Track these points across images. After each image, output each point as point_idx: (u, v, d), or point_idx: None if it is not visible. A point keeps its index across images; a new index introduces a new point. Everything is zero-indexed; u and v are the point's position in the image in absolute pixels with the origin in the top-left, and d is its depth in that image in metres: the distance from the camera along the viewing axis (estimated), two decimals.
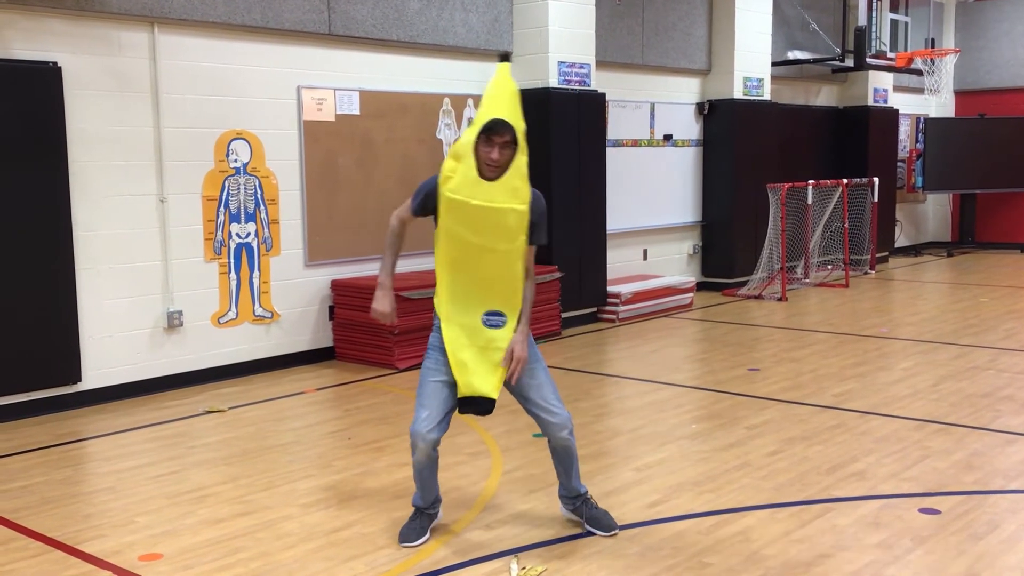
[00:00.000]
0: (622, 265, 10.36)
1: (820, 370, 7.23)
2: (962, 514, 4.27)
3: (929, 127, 15.01)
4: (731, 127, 11.15)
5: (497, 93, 3.69)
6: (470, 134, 3.67)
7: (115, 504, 4.58)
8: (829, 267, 12.43)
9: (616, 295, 9.54)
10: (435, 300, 3.84)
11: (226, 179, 7.06)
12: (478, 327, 3.72)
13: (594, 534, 4.02)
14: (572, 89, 8.99)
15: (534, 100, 8.81)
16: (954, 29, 15.44)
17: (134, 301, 6.64)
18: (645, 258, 10.82)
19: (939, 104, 15.64)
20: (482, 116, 3.64)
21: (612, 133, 9.95)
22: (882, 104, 13.74)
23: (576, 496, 4.08)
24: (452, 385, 3.80)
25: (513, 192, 3.64)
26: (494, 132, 3.60)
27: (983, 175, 14.94)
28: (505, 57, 3.87)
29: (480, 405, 3.77)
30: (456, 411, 3.86)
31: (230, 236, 7.12)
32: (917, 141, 15.31)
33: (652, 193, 10.73)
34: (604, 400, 6.56)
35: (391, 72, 8.08)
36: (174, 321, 6.81)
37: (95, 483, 4.99)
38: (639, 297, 9.73)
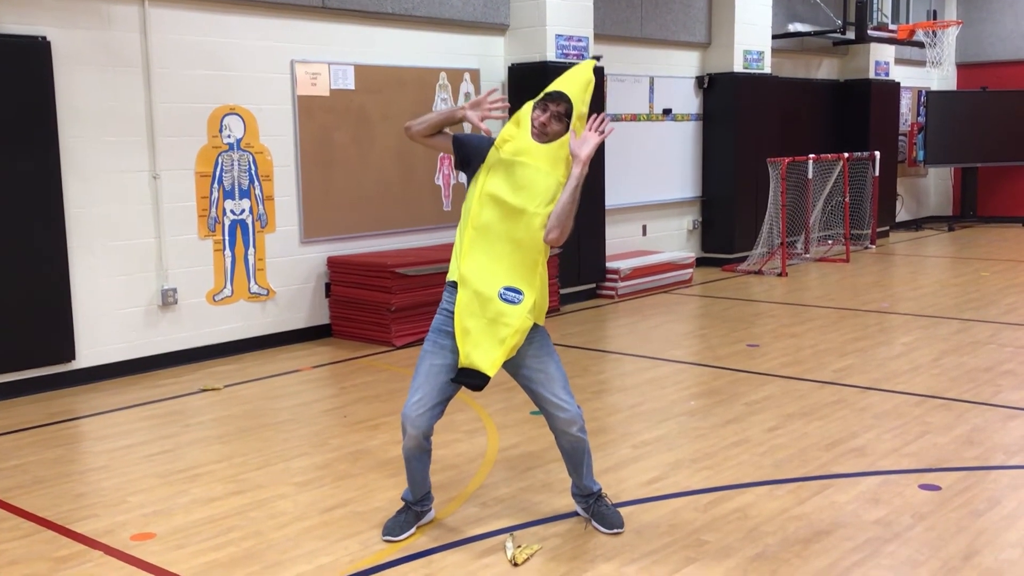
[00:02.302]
0: (621, 241, 10.30)
1: (820, 345, 7.18)
2: (963, 490, 4.22)
3: (931, 100, 14.89)
4: (731, 101, 11.05)
5: (571, 76, 3.76)
6: (531, 102, 3.72)
7: (107, 483, 4.54)
8: (829, 242, 12.36)
9: (615, 271, 9.48)
10: (451, 269, 3.71)
11: (220, 155, 6.99)
12: (493, 298, 3.59)
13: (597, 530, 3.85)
14: (571, 62, 8.88)
15: (531, 74, 8.72)
16: (956, 1, 15.28)
17: (128, 279, 6.58)
18: (644, 234, 10.75)
19: (941, 77, 15.50)
20: (550, 87, 3.71)
21: (611, 107, 9.85)
22: (883, 77, 13.62)
23: (589, 495, 3.90)
24: (450, 369, 3.65)
25: (558, 161, 3.61)
26: (550, 99, 3.66)
27: (985, 149, 14.84)
28: (596, 60, 3.97)
29: (474, 378, 3.61)
30: (450, 394, 3.71)
31: (224, 213, 7.05)
32: (919, 114, 15.18)
33: (651, 168, 10.65)
34: (603, 377, 6.51)
35: (386, 46, 7.99)
36: (168, 299, 6.76)
37: (88, 462, 4.95)
38: (638, 273, 9.67)
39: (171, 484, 4.51)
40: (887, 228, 13.94)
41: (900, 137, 14.57)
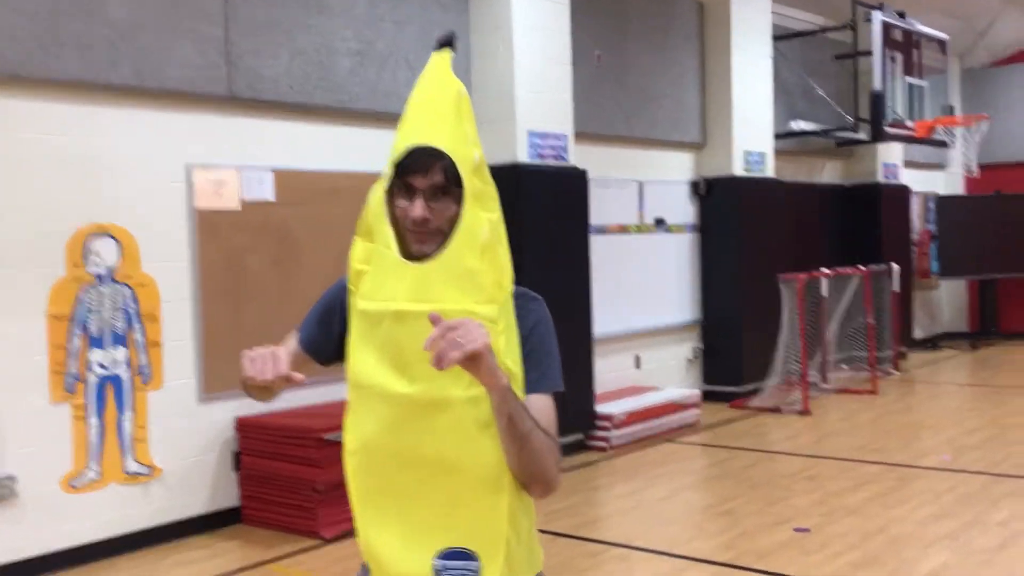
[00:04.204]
0: (611, 376, 8.54)
1: (891, 528, 5.37)
2: None
3: (941, 206, 13.49)
4: (732, 209, 9.50)
5: (425, 100, 1.93)
6: (380, 183, 1.94)
7: None
8: (844, 367, 10.69)
9: (607, 417, 7.70)
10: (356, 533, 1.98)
11: (83, 290, 5.21)
12: None
13: None
14: (547, 165, 7.29)
15: (500, 178, 7.03)
16: (960, 98, 14.04)
17: None
18: (638, 366, 9.02)
19: (948, 180, 14.18)
20: (397, 143, 1.91)
21: (594, 217, 8.20)
22: (892, 181, 12.21)
23: None
24: None
25: (466, 279, 1.86)
26: (414, 170, 1.87)
27: (1004, 258, 13.36)
28: (447, 42, 1.98)
29: None
30: None
31: (89, 367, 5.23)
32: (927, 221, 13.76)
33: (643, 288, 9.00)
34: None
35: (316, 146, 6.33)
36: (3, 490, 4.87)
37: None
38: (635, 418, 7.89)
39: None
40: (905, 349, 12.29)
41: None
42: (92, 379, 5.24)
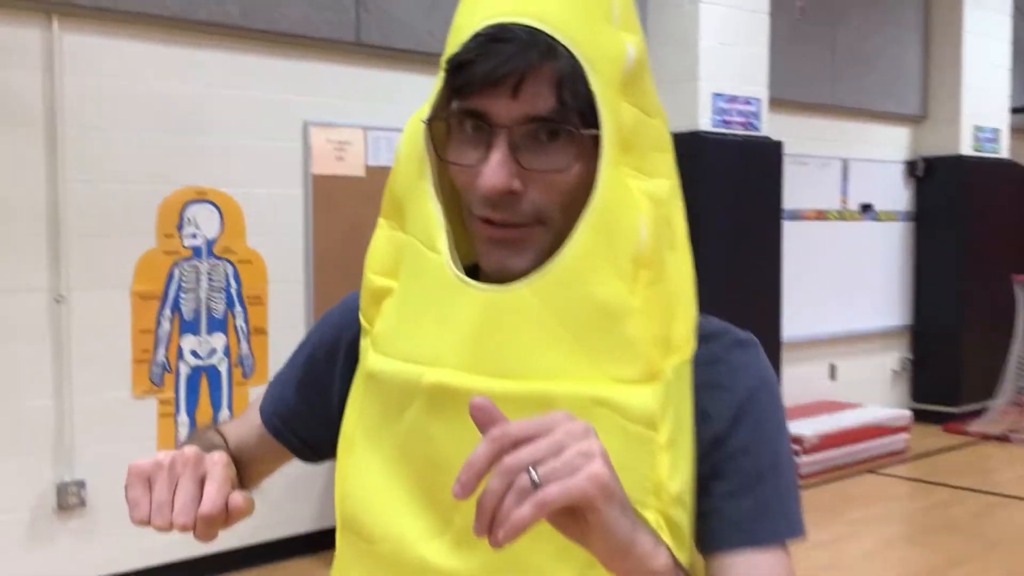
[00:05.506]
0: (801, 387, 7.25)
1: None
2: None
3: None
4: (956, 195, 7.97)
5: None
6: (419, 113, 0.92)
7: None
8: None
9: (797, 439, 6.44)
10: None
11: (176, 265, 4.44)
12: None
13: None
14: (734, 134, 6.09)
15: (676, 149, 5.94)
16: None
17: (5, 466, 4.04)
18: (833, 377, 7.68)
19: None
20: (458, 20, 0.89)
21: (788, 201, 6.92)
22: None
23: None
24: None
25: (599, 328, 0.80)
26: (488, 80, 0.82)
27: None
28: None
29: None
30: None
31: (180, 356, 4.46)
32: None
33: (843, 286, 7.64)
34: None
35: None
36: (71, 498, 4.17)
37: None
38: (830, 442, 6.59)
39: None
40: None
41: None
42: (183, 370, 4.47)
